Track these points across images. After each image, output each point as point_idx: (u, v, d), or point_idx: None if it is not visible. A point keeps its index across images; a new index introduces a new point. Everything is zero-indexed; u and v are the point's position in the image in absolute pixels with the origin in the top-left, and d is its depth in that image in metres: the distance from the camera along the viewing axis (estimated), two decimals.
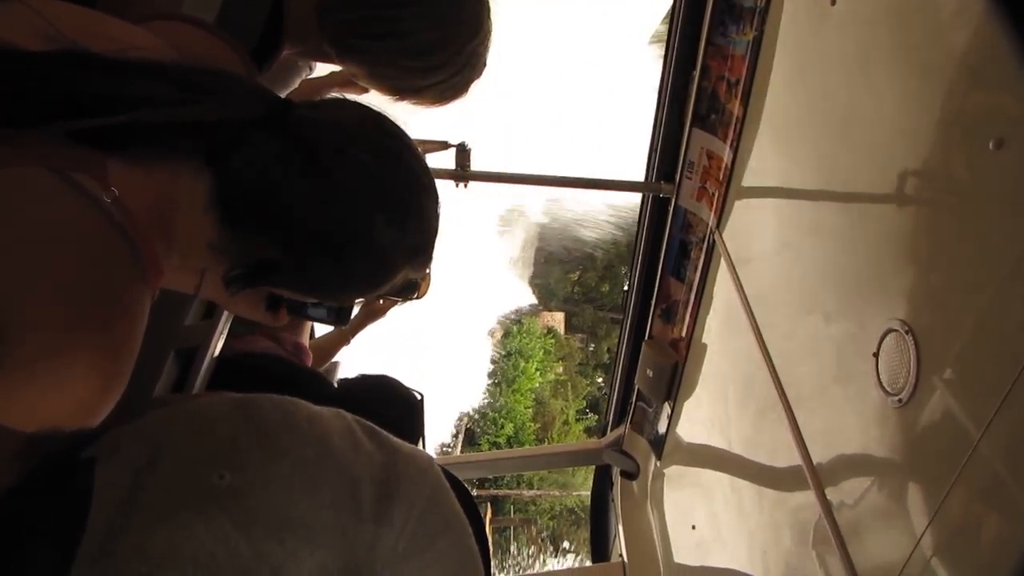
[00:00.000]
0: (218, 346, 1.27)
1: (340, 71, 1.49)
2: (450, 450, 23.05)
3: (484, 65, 1.35)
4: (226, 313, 1.29)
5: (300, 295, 0.95)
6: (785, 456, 1.64)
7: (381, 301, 2.06)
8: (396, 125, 0.94)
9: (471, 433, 23.96)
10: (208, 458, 0.46)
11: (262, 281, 0.89)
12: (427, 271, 1.99)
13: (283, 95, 1.12)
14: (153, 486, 0.45)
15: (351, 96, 1.48)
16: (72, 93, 0.71)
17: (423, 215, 0.93)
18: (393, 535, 0.50)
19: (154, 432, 0.48)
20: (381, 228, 0.88)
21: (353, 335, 2.13)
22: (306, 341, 1.86)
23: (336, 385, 2.10)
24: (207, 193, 0.81)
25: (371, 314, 2.11)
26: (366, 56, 1.25)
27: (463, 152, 2.10)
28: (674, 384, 2.43)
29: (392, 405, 1.66)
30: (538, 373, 24.40)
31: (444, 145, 2.04)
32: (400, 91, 1.33)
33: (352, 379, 1.76)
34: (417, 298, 1.98)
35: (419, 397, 1.90)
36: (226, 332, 1.30)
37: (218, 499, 0.45)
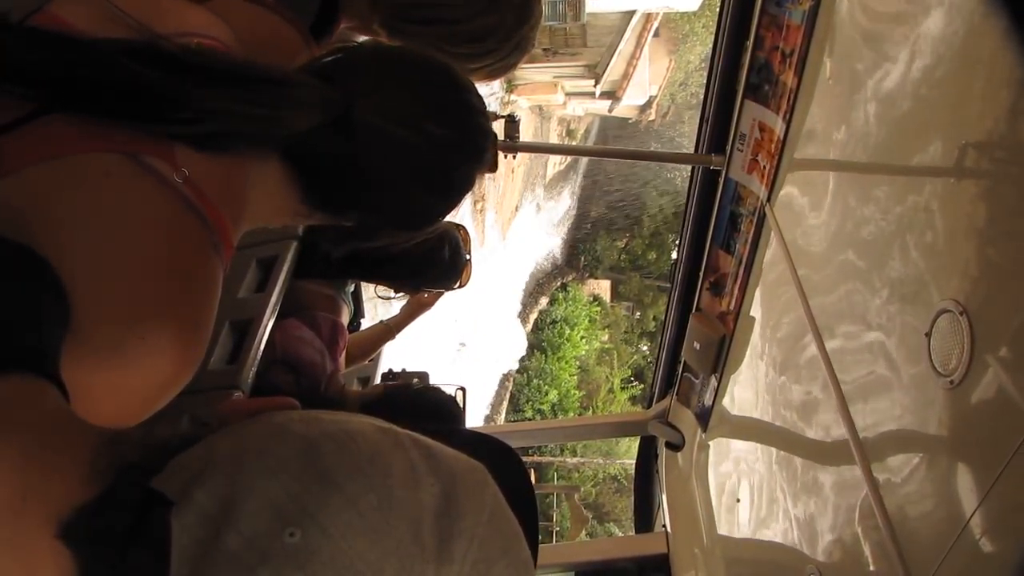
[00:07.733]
0: (271, 320, 1.30)
1: None
2: (493, 411, 23.22)
3: (533, 45, 1.34)
4: (279, 286, 1.31)
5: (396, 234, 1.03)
6: (832, 433, 1.63)
7: (426, 294, 2.07)
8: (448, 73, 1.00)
9: (515, 399, 24.09)
10: (279, 513, 0.48)
11: (363, 240, 0.97)
12: (468, 258, 2.02)
13: None
14: (229, 543, 0.47)
15: None
16: (140, 90, 0.72)
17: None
18: (455, 571, 0.52)
19: (223, 480, 0.50)
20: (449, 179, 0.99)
21: (399, 330, 2.14)
22: (344, 321, 1.87)
23: (380, 378, 2.13)
24: (282, 174, 0.85)
25: (419, 307, 2.11)
26: (415, 40, 1.26)
27: (512, 123, 2.10)
28: (721, 357, 2.42)
29: (433, 420, 1.68)
30: (583, 341, 24.37)
31: (493, 116, 2.03)
32: None
33: (391, 392, 1.78)
34: (459, 287, 1.99)
35: (459, 393, 1.92)
36: (279, 305, 1.33)
37: (293, 558, 0.47)
